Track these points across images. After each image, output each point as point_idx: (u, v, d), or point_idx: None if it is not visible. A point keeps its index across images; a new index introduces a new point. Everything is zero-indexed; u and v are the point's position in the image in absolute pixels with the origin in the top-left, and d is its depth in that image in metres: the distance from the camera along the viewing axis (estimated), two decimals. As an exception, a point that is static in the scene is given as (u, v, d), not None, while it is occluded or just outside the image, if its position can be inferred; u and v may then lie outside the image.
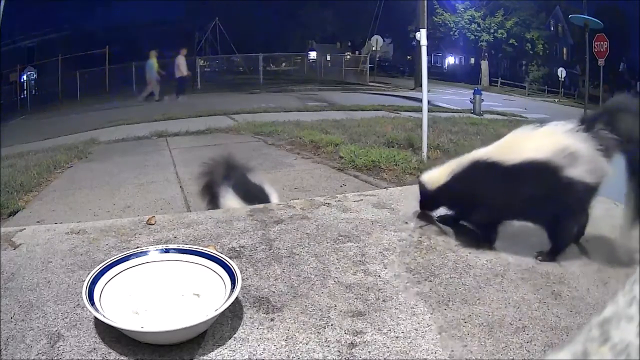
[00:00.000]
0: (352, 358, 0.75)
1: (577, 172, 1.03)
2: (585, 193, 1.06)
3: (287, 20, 15.75)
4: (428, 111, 5.31)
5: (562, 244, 1.11)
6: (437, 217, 1.28)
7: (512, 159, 1.09)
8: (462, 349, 0.77)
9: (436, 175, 1.22)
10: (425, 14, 4.98)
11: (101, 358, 0.73)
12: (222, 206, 1.50)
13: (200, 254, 0.91)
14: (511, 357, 0.76)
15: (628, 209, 1.09)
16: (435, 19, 14.97)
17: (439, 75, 16.40)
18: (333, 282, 0.96)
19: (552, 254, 1.09)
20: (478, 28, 15.13)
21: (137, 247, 1.01)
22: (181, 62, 12.50)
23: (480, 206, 1.15)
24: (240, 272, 0.85)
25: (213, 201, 1.59)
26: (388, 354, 0.76)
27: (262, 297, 0.90)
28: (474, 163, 1.15)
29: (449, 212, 1.27)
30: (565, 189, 1.04)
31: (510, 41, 14.97)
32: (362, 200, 1.41)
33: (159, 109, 10.07)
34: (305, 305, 0.88)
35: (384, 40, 15.93)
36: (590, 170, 1.04)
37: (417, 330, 0.82)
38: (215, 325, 0.80)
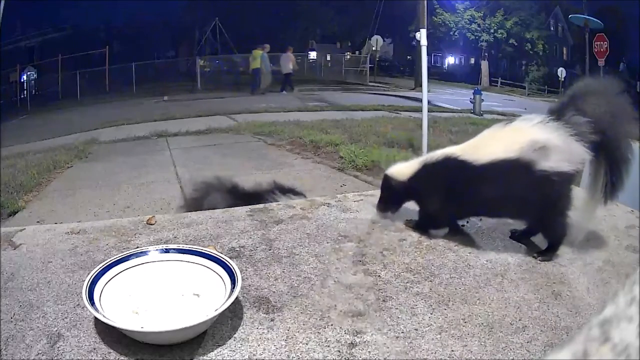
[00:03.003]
0: (352, 358, 0.75)
1: (551, 164, 1.03)
2: (565, 182, 1.06)
3: (287, 20, 15.75)
4: (428, 111, 5.31)
5: (556, 239, 1.10)
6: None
7: (480, 160, 1.08)
8: (462, 349, 0.77)
9: (404, 170, 1.21)
10: (425, 14, 4.98)
11: (101, 358, 0.73)
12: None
13: (200, 254, 0.91)
14: (511, 357, 0.76)
15: (592, 189, 1.08)
16: (435, 19, 14.98)
17: (439, 75, 16.41)
18: (333, 282, 0.96)
19: (550, 251, 1.09)
20: (478, 28, 15.14)
21: (137, 247, 1.01)
22: (292, 58, 13.16)
23: (445, 203, 1.15)
24: (240, 272, 0.85)
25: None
26: (388, 354, 0.76)
27: (262, 297, 0.90)
28: (443, 160, 1.15)
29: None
30: (543, 183, 1.03)
31: (510, 41, 14.98)
32: (362, 200, 1.41)
33: (168, 109, 10.06)
34: (305, 305, 0.88)
35: (384, 40, 15.94)
36: (565, 159, 1.03)
37: (417, 330, 0.82)
38: (215, 325, 0.80)
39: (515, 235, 1.19)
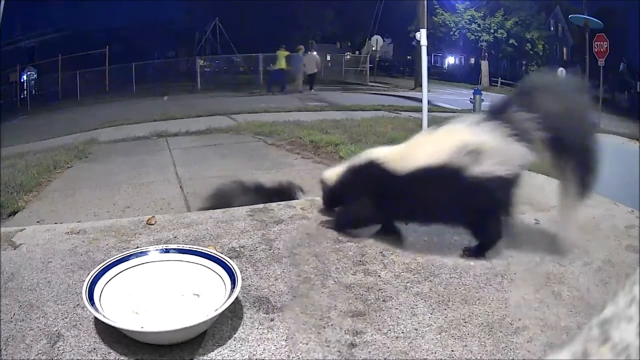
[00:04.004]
0: (352, 358, 0.75)
1: (484, 169, 0.97)
2: (501, 186, 1.00)
3: (287, 20, 15.74)
4: (428, 111, 5.30)
5: (486, 240, 1.07)
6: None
7: (404, 167, 1.04)
8: (462, 349, 0.77)
9: (333, 173, 1.21)
10: (425, 14, 4.98)
11: (101, 358, 0.73)
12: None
13: (200, 254, 0.91)
14: (511, 357, 0.76)
15: (564, 188, 1.04)
16: (435, 19, 14.97)
17: (439, 75, 16.40)
18: (333, 282, 0.96)
19: (478, 251, 1.07)
20: (478, 28, 15.14)
21: (137, 247, 1.01)
22: (318, 59, 13.30)
23: (366, 207, 1.13)
24: (240, 272, 0.85)
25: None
26: (388, 354, 0.76)
27: (262, 297, 0.90)
28: (365, 165, 1.12)
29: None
30: (475, 189, 0.98)
31: (510, 41, 14.97)
32: (362, 200, 1.41)
33: (166, 108, 10.06)
34: (305, 305, 0.88)
35: (384, 40, 15.93)
36: (500, 161, 0.98)
37: (417, 330, 0.82)
38: (215, 325, 0.80)
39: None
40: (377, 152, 1.13)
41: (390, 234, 1.18)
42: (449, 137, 1.03)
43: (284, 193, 1.56)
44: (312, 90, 12.88)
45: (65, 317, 0.82)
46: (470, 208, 1.02)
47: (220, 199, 1.58)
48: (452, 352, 0.76)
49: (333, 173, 1.21)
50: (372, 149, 1.15)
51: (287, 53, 12.78)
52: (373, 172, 1.10)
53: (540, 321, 0.85)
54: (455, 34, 15.62)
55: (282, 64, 12.72)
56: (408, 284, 0.96)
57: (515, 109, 1.00)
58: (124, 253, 0.91)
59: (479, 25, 15.09)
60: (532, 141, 0.98)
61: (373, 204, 1.11)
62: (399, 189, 1.06)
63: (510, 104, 1.01)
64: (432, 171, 1.00)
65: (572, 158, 1.00)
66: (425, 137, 1.09)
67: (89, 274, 0.84)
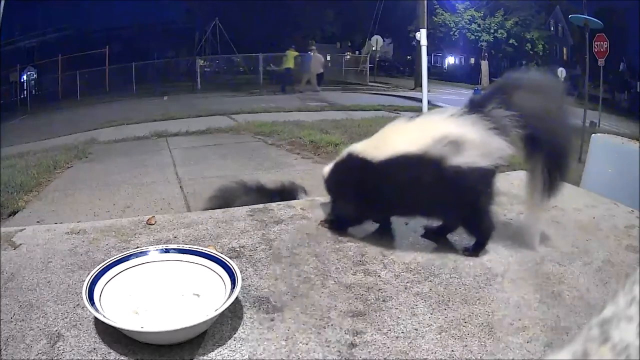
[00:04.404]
0: (352, 358, 0.75)
1: (465, 159, 0.98)
2: (482, 178, 1.00)
3: (287, 20, 15.74)
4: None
5: (482, 235, 1.07)
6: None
7: (380, 156, 1.04)
8: (462, 349, 0.77)
9: (327, 169, 1.20)
10: (425, 14, 4.99)
11: (101, 358, 0.73)
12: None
13: (200, 254, 0.91)
14: (511, 357, 0.76)
15: (531, 187, 1.05)
16: (435, 19, 14.98)
17: (439, 75, 16.40)
18: (333, 282, 0.96)
19: (477, 248, 1.07)
20: (478, 28, 15.14)
21: (137, 247, 1.01)
22: (319, 58, 13.32)
23: (350, 202, 1.13)
24: (240, 272, 0.85)
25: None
26: (388, 354, 0.76)
27: (262, 297, 0.90)
28: (346, 158, 1.13)
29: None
30: (456, 179, 0.98)
31: (510, 41, 14.98)
32: (362, 200, 1.41)
33: (171, 108, 10.06)
34: (305, 305, 0.88)
35: (384, 40, 15.93)
36: (481, 153, 0.98)
37: (417, 330, 0.82)
38: (215, 325, 0.80)
39: (429, 234, 1.15)
40: (356, 144, 1.14)
41: (385, 231, 1.18)
42: (427, 127, 1.03)
43: (287, 193, 1.56)
44: (319, 89, 13.02)
45: (65, 317, 0.82)
46: (453, 200, 1.02)
47: (223, 200, 1.59)
48: (452, 352, 0.76)
49: (327, 168, 1.21)
50: (354, 143, 1.15)
51: (296, 53, 12.87)
52: (351, 164, 1.11)
53: (540, 321, 0.85)
54: (455, 34, 15.62)
55: (290, 63, 12.80)
56: (408, 284, 0.96)
57: (495, 106, 1.00)
58: (124, 253, 0.91)
59: (479, 25, 15.09)
60: (510, 137, 1.00)
61: (356, 197, 1.12)
62: (376, 179, 1.06)
63: (490, 100, 1.02)
64: (409, 159, 1.00)
65: (545, 156, 1.02)
66: (399, 126, 1.08)
67: (89, 274, 0.84)
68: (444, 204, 1.04)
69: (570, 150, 1.05)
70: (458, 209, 1.05)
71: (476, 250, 1.08)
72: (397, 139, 1.05)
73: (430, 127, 1.02)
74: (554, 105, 1.04)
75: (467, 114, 1.01)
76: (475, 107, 1.02)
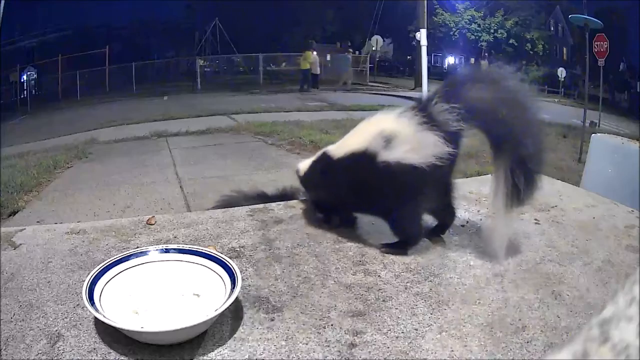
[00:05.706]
0: (352, 358, 0.75)
1: (394, 155, 0.97)
2: (410, 175, 0.98)
3: (287, 20, 15.74)
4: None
5: (402, 235, 1.06)
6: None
7: (339, 153, 1.08)
8: (462, 349, 0.77)
9: (303, 166, 1.22)
10: (425, 14, 4.99)
11: (101, 358, 0.73)
12: None
13: (200, 254, 0.91)
14: (511, 357, 0.76)
15: (497, 191, 0.97)
16: (435, 19, 14.97)
17: (439, 75, 16.36)
18: (333, 282, 0.96)
19: (397, 247, 1.06)
20: (478, 28, 15.14)
21: (137, 247, 1.01)
22: (316, 59, 13.62)
23: (322, 199, 1.18)
24: (240, 272, 0.85)
25: None
26: (388, 354, 0.76)
27: (262, 297, 0.90)
28: (320, 156, 1.16)
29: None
30: (384, 174, 0.98)
31: (510, 41, 14.97)
32: (362, 200, 1.41)
33: (165, 107, 10.05)
34: (305, 305, 0.88)
35: (384, 40, 15.92)
36: (413, 149, 0.97)
37: (417, 330, 0.82)
38: (215, 325, 0.80)
39: (429, 233, 1.14)
40: (331, 145, 1.16)
41: (345, 225, 1.19)
42: (372, 125, 1.06)
43: (288, 198, 1.56)
44: (318, 90, 13.22)
45: (65, 317, 0.82)
46: (384, 195, 1.03)
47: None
48: (452, 352, 0.76)
49: (303, 165, 1.23)
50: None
51: (314, 54, 13.20)
52: (323, 162, 1.15)
53: (540, 321, 0.85)
54: (455, 34, 15.61)
55: (306, 64, 13.04)
56: (408, 284, 0.96)
57: (436, 101, 1.00)
58: (124, 253, 0.91)
59: (479, 25, 15.09)
60: (450, 132, 0.97)
61: (322, 194, 1.17)
62: (335, 176, 1.10)
63: (433, 97, 1.01)
64: (354, 157, 1.04)
65: (508, 154, 0.96)
66: (359, 125, 1.11)
67: (89, 274, 0.84)
68: (379, 200, 1.05)
69: (537, 148, 0.96)
70: (384, 203, 1.04)
71: (395, 248, 1.06)
72: (351, 137, 1.09)
73: (374, 125, 1.05)
74: (506, 96, 0.99)
75: (411, 111, 1.01)
76: (418, 105, 1.03)
